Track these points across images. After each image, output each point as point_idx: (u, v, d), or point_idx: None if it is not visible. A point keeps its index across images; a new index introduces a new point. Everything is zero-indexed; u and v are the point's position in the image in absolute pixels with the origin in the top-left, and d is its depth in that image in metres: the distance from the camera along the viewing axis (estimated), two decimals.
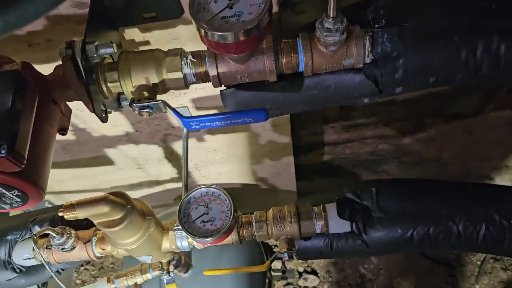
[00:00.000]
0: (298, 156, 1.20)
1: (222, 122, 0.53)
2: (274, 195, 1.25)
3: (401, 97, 1.08)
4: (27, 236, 0.77)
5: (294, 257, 0.78)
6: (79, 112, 0.80)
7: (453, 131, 1.29)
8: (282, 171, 1.11)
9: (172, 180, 1.11)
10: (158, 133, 0.89)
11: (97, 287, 0.91)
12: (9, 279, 0.76)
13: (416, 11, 0.51)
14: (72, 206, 0.60)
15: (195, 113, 0.84)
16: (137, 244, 0.67)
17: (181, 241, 0.72)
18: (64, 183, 1.06)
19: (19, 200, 0.53)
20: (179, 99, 0.80)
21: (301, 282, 1.53)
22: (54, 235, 0.70)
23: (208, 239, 0.65)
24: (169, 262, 0.84)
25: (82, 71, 0.50)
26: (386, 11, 0.52)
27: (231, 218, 0.66)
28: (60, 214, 0.60)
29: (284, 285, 1.53)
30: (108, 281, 0.92)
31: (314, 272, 1.55)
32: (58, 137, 0.58)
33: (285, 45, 0.53)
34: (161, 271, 0.83)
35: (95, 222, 0.62)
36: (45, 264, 0.71)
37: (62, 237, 0.71)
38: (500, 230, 0.65)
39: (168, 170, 1.06)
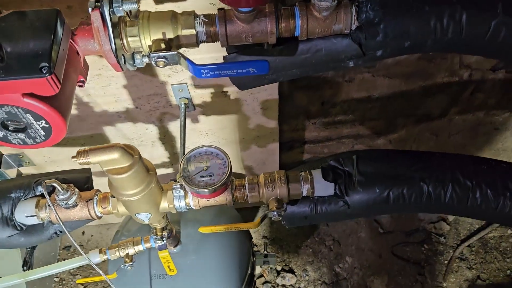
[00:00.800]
0: (280, 154, 1.28)
1: (229, 71, 0.60)
2: None
3: (375, 94, 1.19)
4: (30, 196, 0.80)
5: (282, 223, 0.85)
6: (86, 85, 0.86)
7: (421, 133, 1.40)
8: (267, 158, 1.19)
9: (162, 165, 1.17)
10: (156, 111, 0.96)
11: (90, 258, 0.94)
12: (9, 236, 0.79)
13: None
14: (85, 152, 0.65)
15: (192, 90, 0.92)
16: (139, 196, 0.72)
17: (179, 200, 0.78)
18: (59, 163, 1.10)
19: (43, 134, 0.58)
20: (179, 75, 0.87)
21: (279, 280, 1.58)
22: (60, 189, 0.75)
23: (206, 190, 0.71)
24: (162, 229, 0.89)
25: (109, 22, 0.58)
26: None
27: (228, 173, 0.72)
28: (73, 159, 0.66)
29: (263, 283, 1.58)
30: (100, 252, 0.95)
31: (291, 271, 1.60)
32: None
33: (284, 11, 0.62)
34: (155, 236, 0.88)
35: (104, 169, 0.67)
36: (55, 217, 0.75)
37: (67, 192, 0.76)
38: (464, 190, 0.74)
39: (160, 154, 1.12)
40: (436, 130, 1.41)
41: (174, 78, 0.87)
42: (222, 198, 0.78)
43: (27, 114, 0.54)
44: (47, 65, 0.48)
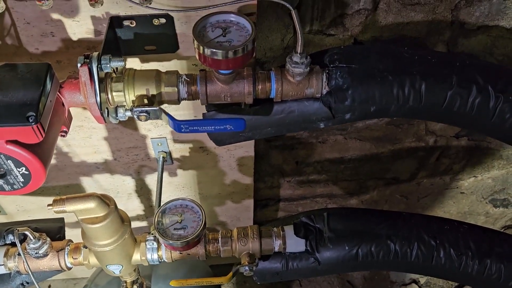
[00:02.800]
0: (255, 211, 1.29)
1: (207, 127, 0.64)
2: None
3: (348, 156, 1.24)
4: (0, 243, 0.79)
5: (254, 279, 0.85)
6: (68, 135, 0.89)
7: (392, 195, 1.45)
8: (241, 215, 1.20)
9: (137, 218, 1.17)
10: (135, 164, 0.98)
11: None
12: None
13: (360, 57, 0.68)
14: (61, 200, 0.67)
15: (171, 145, 0.95)
16: (112, 247, 0.73)
17: (152, 253, 0.79)
18: (31, 213, 1.09)
19: (21, 180, 0.60)
20: (159, 130, 0.90)
21: None
22: (32, 237, 0.74)
23: (179, 242, 0.72)
24: (133, 282, 0.87)
25: (96, 77, 0.62)
26: (338, 56, 0.68)
27: (201, 226, 0.74)
28: (49, 207, 0.67)
29: None
30: None
31: None
32: None
33: (261, 74, 0.68)
34: None
35: (79, 218, 0.68)
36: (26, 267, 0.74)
37: (38, 241, 0.75)
38: (429, 249, 0.77)
39: (135, 206, 1.13)
40: (406, 193, 1.46)
41: (154, 132, 0.90)
42: (195, 251, 0.79)
43: (8, 161, 0.56)
44: (34, 114, 0.51)
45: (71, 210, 0.67)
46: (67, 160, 0.95)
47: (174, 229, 0.75)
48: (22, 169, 0.58)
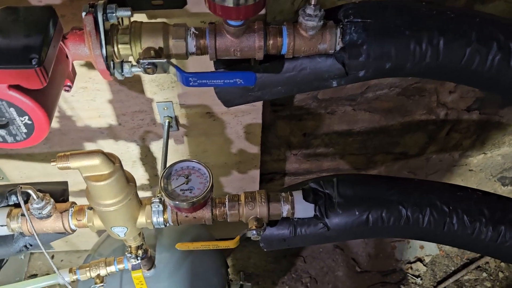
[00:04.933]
0: (260, 185, 1.28)
1: (216, 81, 0.62)
2: None
3: (356, 128, 1.22)
4: (2, 205, 0.78)
5: (261, 245, 0.84)
6: (71, 97, 0.86)
7: (400, 171, 1.43)
8: (247, 186, 1.19)
9: (141, 187, 1.15)
10: (140, 129, 0.96)
11: (59, 278, 0.90)
12: None
13: (376, 12, 0.65)
14: (65, 156, 0.65)
15: (177, 109, 0.92)
16: (117, 207, 0.71)
17: (157, 216, 0.77)
18: (34, 180, 1.07)
19: (24, 131, 0.58)
20: (166, 93, 0.88)
21: None
22: (35, 197, 0.73)
23: (185, 203, 0.71)
24: (138, 248, 0.86)
25: (101, 26, 0.59)
26: (353, 11, 0.66)
27: (208, 187, 0.72)
28: (53, 164, 0.65)
29: None
30: (70, 271, 0.92)
31: None
32: None
33: (272, 29, 0.65)
34: (129, 255, 0.85)
35: (84, 175, 0.66)
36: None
37: (42, 201, 0.74)
38: (441, 215, 0.75)
39: (140, 175, 1.11)
40: (414, 169, 1.44)
41: (160, 95, 0.88)
42: (201, 215, 0.77)
43: (11, 109, 0.54)
44: (37, 57, 0.49)
45: (75, 167, 0.65)
46: (71, 124, 0.93)
47: (181, 190, 0.73)
48: (25, 119, 0.56)
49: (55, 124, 0.94)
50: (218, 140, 1.01)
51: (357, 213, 0.77)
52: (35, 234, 0.74)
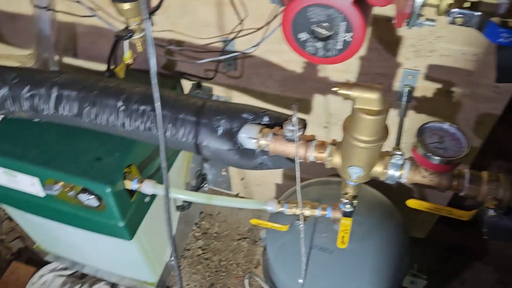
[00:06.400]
0: None
1: None
2: None
3: None
4: (256, 122, 0.87)
5: (483, 231, 0.80)
6: None
7: None
8: None
9: None
10: None
11: (268, 205, 0.98)
12: (228, 149, 0.86)
13: None
14: (349, 85, 0.70)
15: (420, 81, 0.93)
16: (369, 146, 0.74)
17: (395, 169, 0.79)
18: None
19: (338, 48, 0.64)
20: (419, 61, 0.90)
21: None
22: (294, 119, 0.80)
23: (437, 158, 0.72)
24: (354, 197, 0.89)
25: None
26: None
27: (465, 152, 0.72)
28: (335, 89, 0.71)
29: None
30: (279, 203, 0.99)
31: None
32: None
33: None
34: (346, 201, 0.89)
35: (356, 106, 0.71)
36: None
37: (296, 126, 0.81)
38: None
39: None
40: None
41: (411, 62, 0.90)
42: (438, 179, 0.77)
43: (343, 23, 0.60)
44: None
45: (355, 96, 0.70)
46: (313, 73, 1.00)
47: (434, 147, 0.74)
48: (347, 36, 0.61)
49: (297, 69, 1.02)
50: None
51: None
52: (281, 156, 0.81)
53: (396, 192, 1.15)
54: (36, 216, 1.10)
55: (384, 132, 0.75)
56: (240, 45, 1.03)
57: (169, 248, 1.35)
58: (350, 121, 0.75)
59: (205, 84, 1.18)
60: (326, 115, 1.10)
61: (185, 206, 1.33)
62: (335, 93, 0.70)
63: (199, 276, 1.63)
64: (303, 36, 0.64)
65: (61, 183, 0.98)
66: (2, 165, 1.00)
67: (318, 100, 1.07)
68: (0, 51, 1.36)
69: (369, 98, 0.70)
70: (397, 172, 0.79)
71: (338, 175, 0.86)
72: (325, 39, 0.63)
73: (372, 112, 0.71)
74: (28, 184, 1.00)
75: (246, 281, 1.21)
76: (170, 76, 1.20)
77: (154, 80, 0.56)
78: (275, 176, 1.44)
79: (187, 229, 1.68)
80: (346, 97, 0.71)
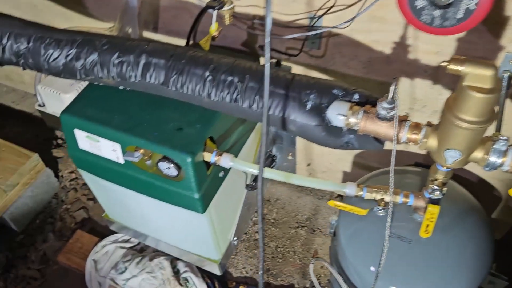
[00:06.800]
0: None
1: None
2: None
3: None
4: (346, 99, 0.85)
5: None
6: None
7: None
8: None
9: None
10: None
11: (346, 187, 0.96)
12: (316, 125, 0.84)
13: None
14: (461, 60, 0.66)
15: None
16: (474, 127, 0.69)
17: (497, 156, 0.73)
18: None
19: (458, 17, 0.60)
20: None
21: None
22: (391, 95, 0.76)
23: None
24: (443, 184, 0.85)
25: None
26: None
27: None
28: (444, 64, 0.67)
29: None
30: (358, 186, 0.96)
31: None
32: None
33: None
34: (435, 187, 0.85)
35: (465, 83, 0.67)
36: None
37: (392, 104, 0.77)
38: None
39: None
40: None
41: None
42: None
43: None
44: None
45: (466, 72, 0.66)
46: (402, 54, 0.96)
47: None
48: (471, 3, 0.58)
49: (386, 49, 0.98)
50: None
51: None
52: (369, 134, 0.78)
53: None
54: (113, 183, 1.12)
55: (491, 114, 0.70)
56: (327, 22, 1.00)
57: (234, 228, 1.35)
58: (454, 99, 0.70)
59: (284, 63, 1.16)
60: (410, 100, 1.05)
61: (254, 186, 1.33)
62: (444, 68, 0.66)
63: (256, 260, 1.62)
64: (421, 2, 0.61)
65: (141, 151, 0.99)
66: (86, 129, 1.03)
67: (403, 84, 1.03)
68: (82, 24, 1.41)
69: (482, 74, 0.65)
70: (499, 159, 0.74)
71: (412, 165, 0.82)
72: (445, 6, 0.60)
73: (484, 91, 0.66)
74: (109, 149, 1.03)
75: (311, 266, 1.18)
76: (248, 54, 1.19)
77: (268, 39, 0.55)
78: (343, 163, 1.40)
79: (249, 214, 1.68)
80: (456, 73, 0.67)
